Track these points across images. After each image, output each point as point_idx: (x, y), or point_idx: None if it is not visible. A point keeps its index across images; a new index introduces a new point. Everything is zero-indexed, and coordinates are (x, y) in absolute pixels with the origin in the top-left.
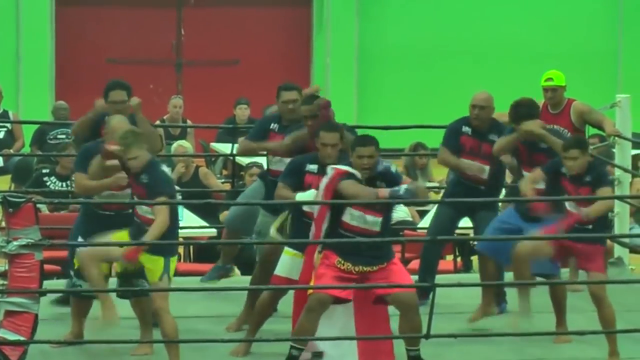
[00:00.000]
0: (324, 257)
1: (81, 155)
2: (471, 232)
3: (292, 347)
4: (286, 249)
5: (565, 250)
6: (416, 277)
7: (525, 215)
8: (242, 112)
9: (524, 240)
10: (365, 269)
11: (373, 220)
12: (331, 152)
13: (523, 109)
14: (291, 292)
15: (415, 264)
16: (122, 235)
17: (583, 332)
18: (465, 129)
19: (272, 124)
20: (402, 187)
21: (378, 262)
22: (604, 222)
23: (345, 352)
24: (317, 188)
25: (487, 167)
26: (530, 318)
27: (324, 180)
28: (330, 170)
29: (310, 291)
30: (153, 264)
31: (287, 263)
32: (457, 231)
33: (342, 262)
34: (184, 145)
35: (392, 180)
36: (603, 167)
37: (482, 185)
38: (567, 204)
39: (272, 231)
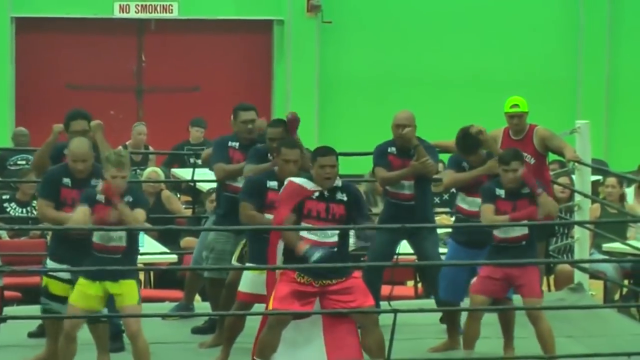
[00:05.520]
0: (283, 273)
1: (45, 180)
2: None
3: None
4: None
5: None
6: None
7: (467, 242)
8: (197, 135)
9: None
10: (324, 282)
11: (332, 233)
12: (292, 168)
13: (470, 140)
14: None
15: None
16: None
17: (527, 356)
18: (391, 149)
19: (231, 142)
20: (316, 254)
21: (338, 276)
22: (532, 242)
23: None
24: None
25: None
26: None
27: (281, 192)
28: (286, 181)
29: (270, 306)
30: (128, 288)
31: (251, 279)
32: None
33: (302, 275)
34: (157, 171)
35: (354, 196)
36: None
37: (411, 201)
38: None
39: (233, 261)
